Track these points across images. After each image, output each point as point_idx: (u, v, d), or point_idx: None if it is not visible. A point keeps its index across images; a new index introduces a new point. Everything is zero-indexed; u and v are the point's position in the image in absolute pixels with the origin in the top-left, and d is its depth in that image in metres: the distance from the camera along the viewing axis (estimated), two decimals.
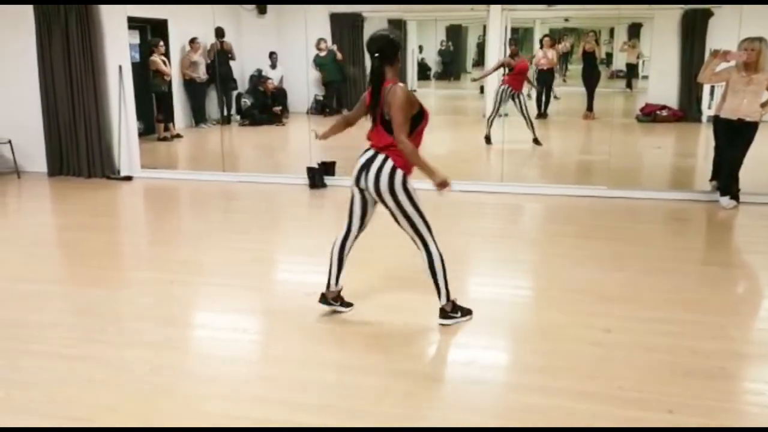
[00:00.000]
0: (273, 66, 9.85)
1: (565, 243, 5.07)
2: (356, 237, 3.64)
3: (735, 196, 5.96)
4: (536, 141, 8.37)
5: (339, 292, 3.70)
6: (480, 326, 3.58)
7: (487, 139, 8.41)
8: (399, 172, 3.31)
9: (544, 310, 3.85)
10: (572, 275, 4.35)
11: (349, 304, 3.74)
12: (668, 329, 3.50)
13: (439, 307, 3.54)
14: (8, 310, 3.86)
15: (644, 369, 3.07)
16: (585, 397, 2.84)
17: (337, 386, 2.97)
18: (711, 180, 6.29)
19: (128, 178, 7.43)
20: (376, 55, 3.31)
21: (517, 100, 8.26)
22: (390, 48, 3.33)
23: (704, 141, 8.17)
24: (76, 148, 7.47)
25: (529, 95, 9.22)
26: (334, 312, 3.70)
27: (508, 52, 8.42)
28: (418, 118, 3.31)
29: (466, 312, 3.60)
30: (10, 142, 7.54)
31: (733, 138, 5.81)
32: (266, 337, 3.63)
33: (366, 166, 3.39)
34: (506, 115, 8.29)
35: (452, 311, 3.54)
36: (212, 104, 9.58)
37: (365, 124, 3.61)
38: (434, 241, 3.45)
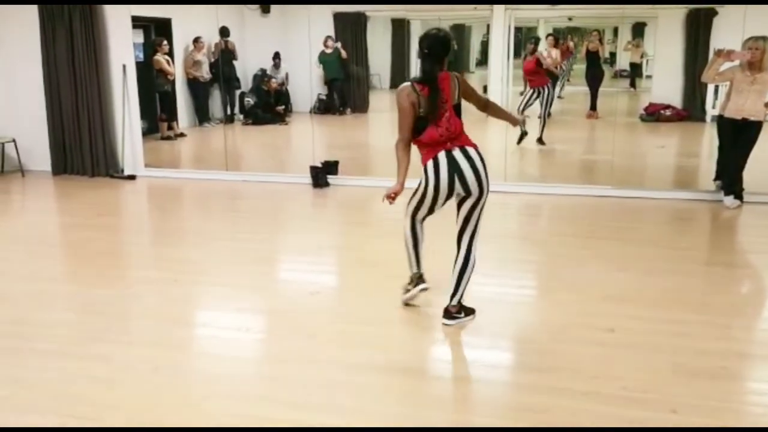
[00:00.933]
0: (276, 67, 9.84)
1: (568, 243, 5.07)
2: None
3: (739, 195, 5.95)
4: (540, 140, 8.36)
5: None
6: (483, 326, 3.58)
7: (539, 141, 8.44)
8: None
9: (548, 309, 3.85)
10: (576, 275, 4.34)
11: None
12: (672, 329, 3.49)
13: (445, 307, 3.53)
14: (13, 308, 3.88)
15: (648, 369, 3.07)
16: (589, 397, 2.83)
17: (339, 385, 2.97)
18: (715, 179, 6.27)
19: (132, 177, 7.44)
20: (426, 51, 3.32)
21: (532, 98, 8.35)
22: (439, 45, 3.33)
23: (708, 140, 8.16)
24: (80, 147, 7.49)
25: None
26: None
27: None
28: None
29: (470, 311, 3.60)
30: (14, 141, 7.56)
31: (737, 137, 5.80)
32: (269, 336, 3.63)
33: (456, 168, 3.32)
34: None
35: (457, 312, 3.54)
36: (215, 103, 9.60)
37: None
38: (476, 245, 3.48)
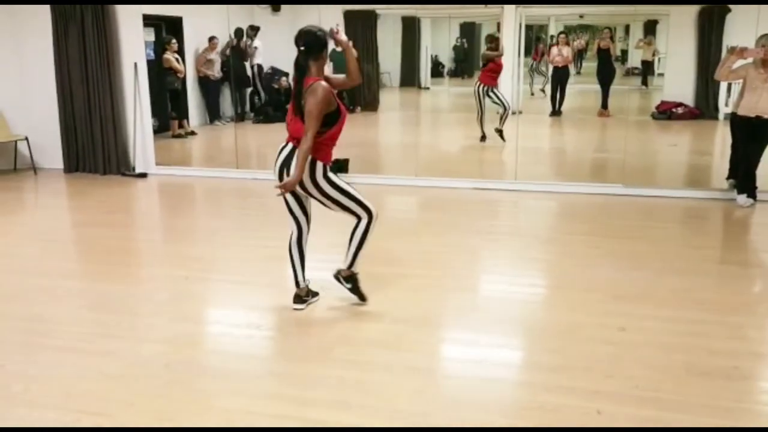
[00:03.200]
0: (251, 39, 9.63)
1: (579, 241, 5.05)
2: (308, 231, 3.79)
3: (752, 194, 5.91)
4: (498, 131, 8.32)
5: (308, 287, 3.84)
6: (493, 324, 3.57)
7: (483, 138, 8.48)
8: (319, 164, 3.48)
9: (559, 308, 3.83)
10: (587, 274, 4.32)
11: (315, 293, 3.88)
12: (684, 329, 3.47)
13: (343, 275, 3.75)
14: (25, 304, 3.90)
15: (660, 369, 3.05)
16: (600, 397, 2.82)
17: (349, 383, 2.97)
18: (728, 178, 6.23)
19: (143, 175, 7.48)
20: (302, 48, 3.43)
21: (492, 95, 8.34)
22: (316, 43, 3.47)
23: (721, 139, 8.10)
24: (91, 145, 7.54)
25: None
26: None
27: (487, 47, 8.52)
28: (334, 117, 3.44)
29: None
30: (27, 139, 7.62)
31: (751, 135, 5.76)
32: (279, 333, 3.64)
33: (287, 162, 3.48)
34: (520, 112, 8.26)
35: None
36: (226, 101, 9.62)
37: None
38: (370, 209, 3.72)
